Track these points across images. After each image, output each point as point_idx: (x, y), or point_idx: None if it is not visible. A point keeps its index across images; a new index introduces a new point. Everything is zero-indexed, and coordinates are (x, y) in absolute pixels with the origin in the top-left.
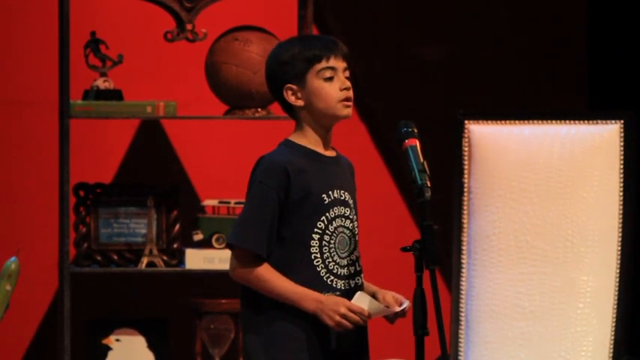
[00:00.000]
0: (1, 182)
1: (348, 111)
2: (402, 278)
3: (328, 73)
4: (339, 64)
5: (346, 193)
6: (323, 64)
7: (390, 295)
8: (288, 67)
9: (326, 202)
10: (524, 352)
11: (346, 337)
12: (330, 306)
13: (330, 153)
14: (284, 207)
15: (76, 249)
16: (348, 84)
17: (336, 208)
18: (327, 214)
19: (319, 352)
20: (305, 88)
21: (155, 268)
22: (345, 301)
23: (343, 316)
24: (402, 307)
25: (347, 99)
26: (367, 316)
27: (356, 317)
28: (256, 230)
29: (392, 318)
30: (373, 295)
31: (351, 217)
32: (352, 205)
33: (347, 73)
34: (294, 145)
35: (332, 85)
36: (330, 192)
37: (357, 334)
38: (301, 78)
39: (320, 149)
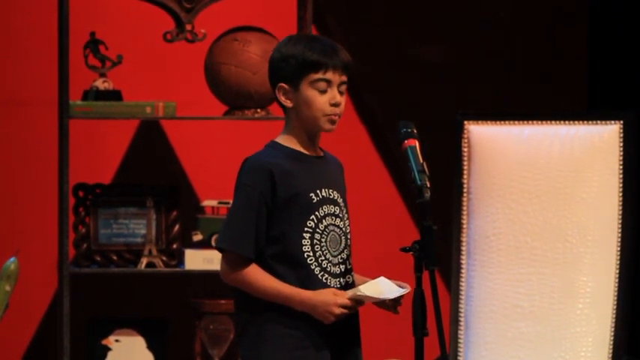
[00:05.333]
0: (1, 182)
1: (332, 127)
2: (401, 279)
3: (322, 86)
4: (336, 78)
5: (335, 192)
6: (320, 74)
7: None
8: (285, 65)
9: (314, 201)
10: (524, 353)
11: (340, 330)
12: (323, 307)
13: (317, 153)
14: (271, 207)
15: (76, 249)
16: (339, 99)
17: (325, 206)
18: (317, 213)
19: (314, 348)
20: (297, 91)
21: (154, 269)
22: (337, 298)
23: (337, 315)
24: (394, 296)
25: (334, 114)
26: (361, 303)
27: (347, 310)
28: (242, 233)
29: (392, 306)
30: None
31: (340, 215)
32: (342, 204)
33: (343, 87)
34: (279, 146)
35: (323, 97)
36: (318, 191)
37: (349, 325)
38: (295, 81)
39: (305, 150)
